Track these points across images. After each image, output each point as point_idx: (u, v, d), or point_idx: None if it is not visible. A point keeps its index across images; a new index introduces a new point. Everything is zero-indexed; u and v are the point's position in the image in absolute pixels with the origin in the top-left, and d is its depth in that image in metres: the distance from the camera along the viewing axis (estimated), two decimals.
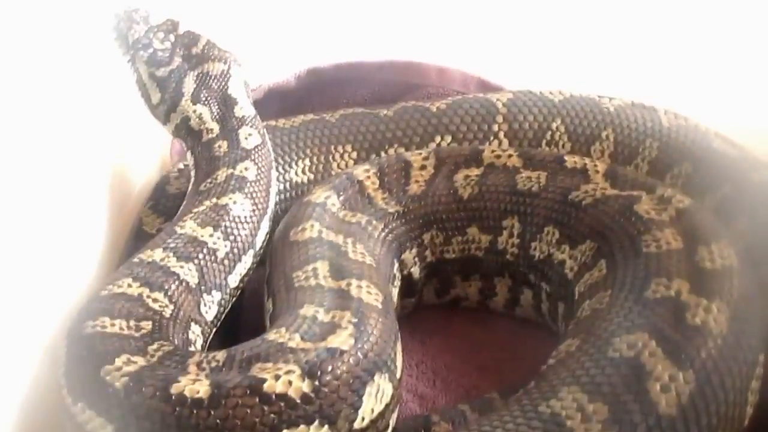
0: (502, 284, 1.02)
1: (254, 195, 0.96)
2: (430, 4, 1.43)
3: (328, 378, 0.72)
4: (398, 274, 1.00)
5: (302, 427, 0.70)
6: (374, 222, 0.98)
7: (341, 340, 0.75)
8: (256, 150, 0.99)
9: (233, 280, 0.91)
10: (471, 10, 1.41)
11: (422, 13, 1.44)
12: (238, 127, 1.01)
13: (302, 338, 0.75)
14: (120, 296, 0.81)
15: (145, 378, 0.70)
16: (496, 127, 1.12)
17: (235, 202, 0.93)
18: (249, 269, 0.94)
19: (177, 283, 0.85)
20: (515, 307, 1.03)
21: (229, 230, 0.92)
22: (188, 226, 0.90)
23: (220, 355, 0.74)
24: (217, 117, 1.01)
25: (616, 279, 0.85)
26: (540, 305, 1.00)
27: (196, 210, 0.92)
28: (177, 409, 0.69)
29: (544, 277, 0.98)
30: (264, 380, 0.70)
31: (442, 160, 1.03)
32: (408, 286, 1.02)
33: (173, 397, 0.69)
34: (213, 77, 1.03)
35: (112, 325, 0.77)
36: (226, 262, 0.90)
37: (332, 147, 1.12)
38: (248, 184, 0.96)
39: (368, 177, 1.01)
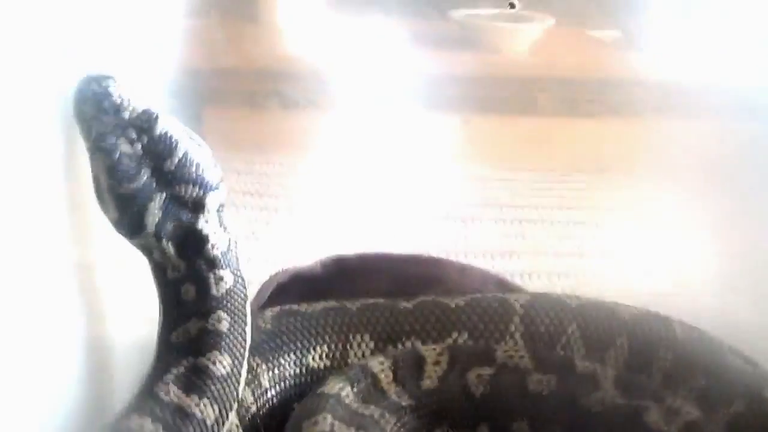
0: None
1: (232, 348, 0.91)
2: (454, 204, 1.50)
3: None
4: None
5: None
6: (387, 415, 0.98)
7: None
8: (228, 295, 0.92)
9: None
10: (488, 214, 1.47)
11: (447, 210, 1.51)
12: (207, 269, 0.90)
13: None
14: None
15: None
16: (512, 327, 1.14)
17: (214, 363, 0.89)
18: (233, 424, 0.92)
19: None
20: None
21: (215, 394, 0.88)
22: (173, 393, 0.86)
23: None
24: (184, 255, 0.90)
25: None
26: None
27: (175, 371, 0.88)
28: None
29: None
30: None
31: (455, 357, 1.04)
32: None
33: None
34: (184, 205, 0.88)
35: None
36: (215, 427, 0.88)
37: (350, 335, 1.14)
38: (224, 338, 0.90)
39: (382, 370, 1.02)
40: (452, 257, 1.39)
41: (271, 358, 1.06)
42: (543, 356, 1.04)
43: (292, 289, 1.32)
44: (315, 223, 1.49)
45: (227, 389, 0.90)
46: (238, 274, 0.94)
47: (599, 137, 1.56)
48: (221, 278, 0.91)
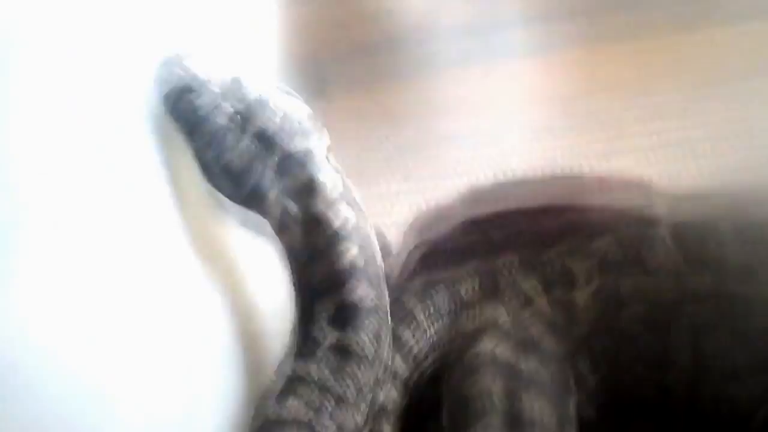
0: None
1: (377, 324, 0.89)
2: None
3: None
4: (574, 388, 1.01)
5: None
6: (543, 367, 0.99)
7: None
8: (354, 230, 0.87)
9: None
10: None
11: None
12: (325, 209, 0.85)
13: None
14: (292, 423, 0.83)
15: None
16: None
17: (357, 343, 0.87)
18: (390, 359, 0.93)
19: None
20: None
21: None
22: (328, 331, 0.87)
23: None
24: (304, 206, 0.86)
25: None
26: None
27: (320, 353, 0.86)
28: None
29: None
30: None
31: (606, 272, 1.04)
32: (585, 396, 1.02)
33: None
34: (294, 161, 0.84)
35: None
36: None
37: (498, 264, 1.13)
38: (365, 312, 0.87)
39: (536, 292, 1.05)
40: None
41: (424, 298, 1.08)
42: (693, 257, 1.02)
43: (435, 259, 1.31)
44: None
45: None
46: (357, 207, 0.89)
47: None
48: (343, 215, 0.87)
